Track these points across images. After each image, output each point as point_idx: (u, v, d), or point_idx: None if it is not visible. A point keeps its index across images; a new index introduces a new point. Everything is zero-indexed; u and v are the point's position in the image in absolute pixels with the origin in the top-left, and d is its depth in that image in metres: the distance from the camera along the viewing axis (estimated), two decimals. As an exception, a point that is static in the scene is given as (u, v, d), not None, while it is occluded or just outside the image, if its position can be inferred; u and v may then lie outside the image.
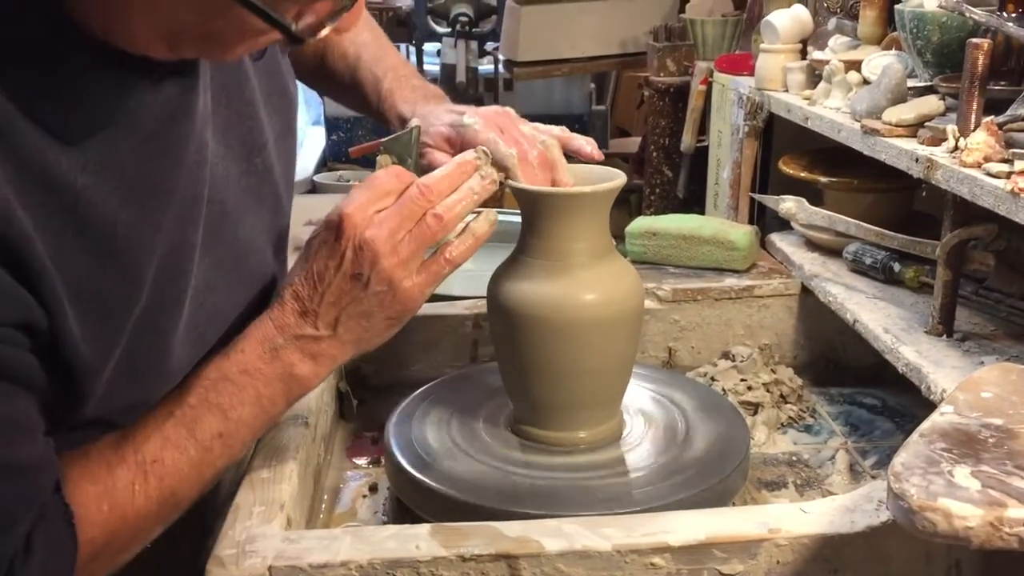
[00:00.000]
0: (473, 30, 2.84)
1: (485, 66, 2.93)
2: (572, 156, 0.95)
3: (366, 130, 3.08)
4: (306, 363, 0.77)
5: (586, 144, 0.94)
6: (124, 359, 0.68)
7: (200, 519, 0.81)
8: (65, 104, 0.61)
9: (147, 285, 0.67)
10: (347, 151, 2.94)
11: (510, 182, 0.88)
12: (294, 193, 0.93)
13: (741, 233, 1.26)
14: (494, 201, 1.80)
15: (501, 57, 2.75)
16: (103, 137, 0.63)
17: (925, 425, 0.67)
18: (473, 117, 0.90)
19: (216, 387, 0.76)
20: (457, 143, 0.89)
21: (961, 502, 0.58)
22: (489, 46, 2.92)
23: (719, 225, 1.30)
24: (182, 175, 0.69)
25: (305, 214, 2.11)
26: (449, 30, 2.87)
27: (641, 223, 1.32)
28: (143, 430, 0.73)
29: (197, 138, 0.71)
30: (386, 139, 0.88)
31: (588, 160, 0.94)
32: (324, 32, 0.64)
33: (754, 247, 1.28)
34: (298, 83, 0.95)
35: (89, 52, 0.62)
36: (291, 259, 0.88)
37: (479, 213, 0.82)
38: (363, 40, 1.05)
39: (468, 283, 1.38)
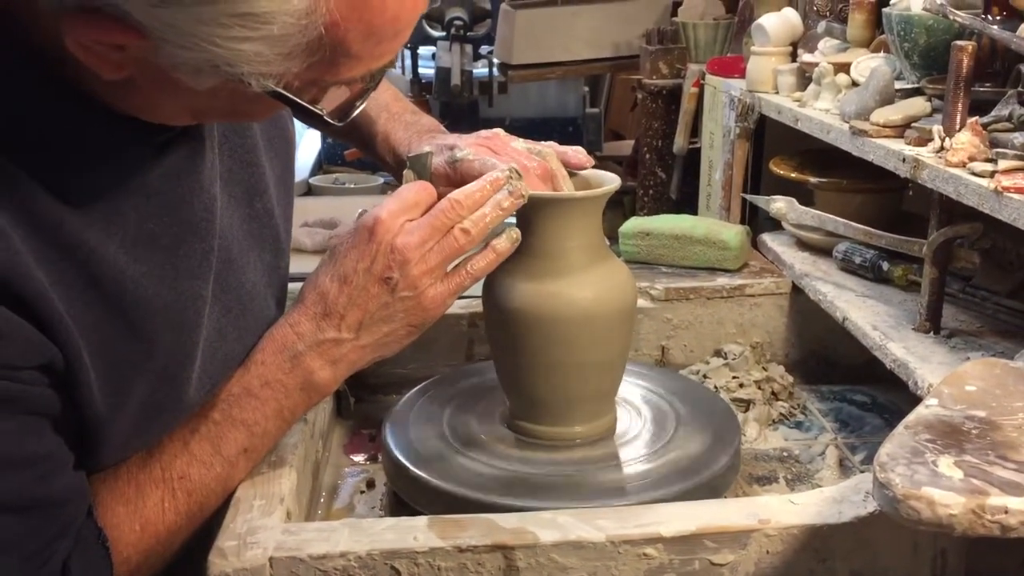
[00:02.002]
0: (468, 34, 2.85)
1: (480, 69, 2.94)
2: (566, 167, 0.96)
3: (361, 133, 3.08)
4: (326, 369, 0.79)
5: (575, 154, 0.96)
6: (141, 411, 0.70)
7: None
8: (74, 169, 0.63)
9: (159, 339, 0.69)
10: (343, 154, 2.95)
11: None
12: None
13: (732, 233, 1.28)
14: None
15: (495, 60, 2.77)
16: (108, 198, 0.65)
17: (910, 417, 0.69)
18: (464, 149, 0.91)
19: (240, 403, 0.77)
20: (455, 178, 0.89)
21: (944, 490, 0.59)
22: (484, 49, 2.94)
23: (711, 225, 1.32)
24: (188, 231, 0.71)
25: (300, 216, 2.12)
26: (444, 34, 2.88)
27: (634, 223, 1.34)
28: (169, 448, 0.75)
29: (204, 194, 0.73)
30: (411, 155, 0.91)
31: (579, 167, 0.95)
32: (355, 113, 0.67)
33: (746, 247, 1.30)
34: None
35: (99, 123, 0.64)
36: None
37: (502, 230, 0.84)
38: None
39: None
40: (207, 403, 0.77)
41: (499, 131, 0.97)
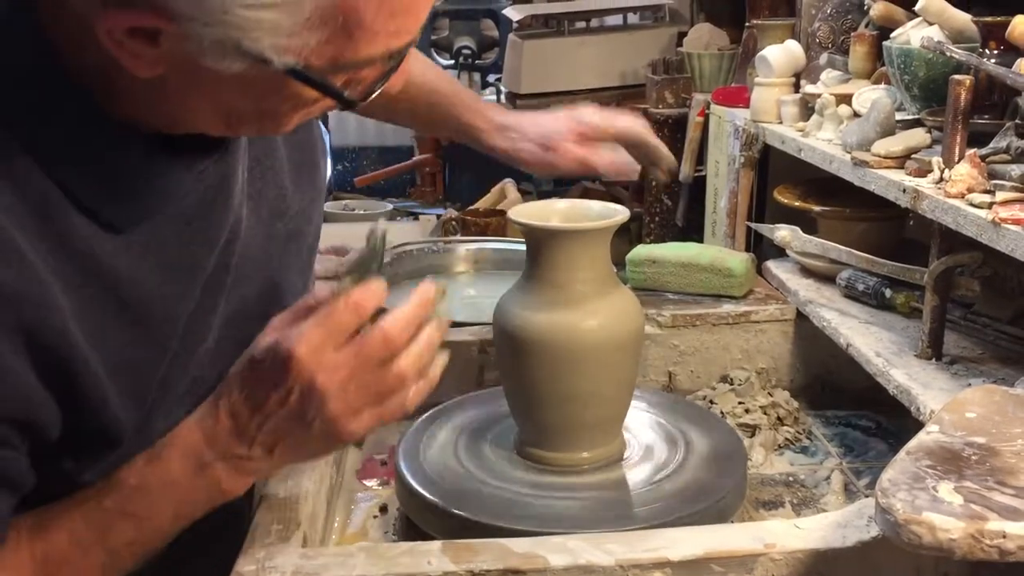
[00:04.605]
0: (476, 62, 2.90)
1: (488, 97, 2.98)
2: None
3: (371, 160, 3.13)
4: (233, 478, 0.74)
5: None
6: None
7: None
8: (115, 197, 0.66)
9: (169, 349, 0.71)
10: (352, 181, 2.99)
11: (515, 218, 0.92)
12: None
13: (738, 261, 1.30)
14: (499, 231, 1.86)
15: (503, 89, 2.81)
16: (148, 225, 0.68)
17: (912, 443, 0.71)
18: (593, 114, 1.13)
19: (134, 497, 0.72)
20: (590, 136, 1.12)
21: (944, 515, 0.61)
22: (491, 77, 2.98)
23: (717, 253, 1.34)
24: (216, 252, 0.74)
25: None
26: (452, 62, 2.93)
27: (641, 251, 1.36)
28: (56, 521, 0.72)
29: (232, 215, 0.75)
30: (352, 259, 0.85)
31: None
32: (374, 95, 0.67)
33: (751, 274, 1.32)
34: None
35: (142, 151, 0.67)
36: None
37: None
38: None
39: (469, 309, 1.42)
40: (101, 487, 0.73)
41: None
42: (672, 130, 2.08)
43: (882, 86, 1.26)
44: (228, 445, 0.72)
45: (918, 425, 0.90)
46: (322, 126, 1.18)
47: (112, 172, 0.65)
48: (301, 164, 0.88)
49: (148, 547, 0.74)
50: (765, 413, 1.16)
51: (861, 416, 1.21)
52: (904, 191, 0.99)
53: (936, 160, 0.98)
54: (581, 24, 2.60)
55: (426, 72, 1.16)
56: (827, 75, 1.40)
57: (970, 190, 0.91)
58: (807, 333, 1.25)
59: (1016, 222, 0.83)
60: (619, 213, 0.94)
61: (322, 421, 0.71)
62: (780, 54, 1.45)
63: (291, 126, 0.70)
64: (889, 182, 1.02)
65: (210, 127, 0.67)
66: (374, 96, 0.68)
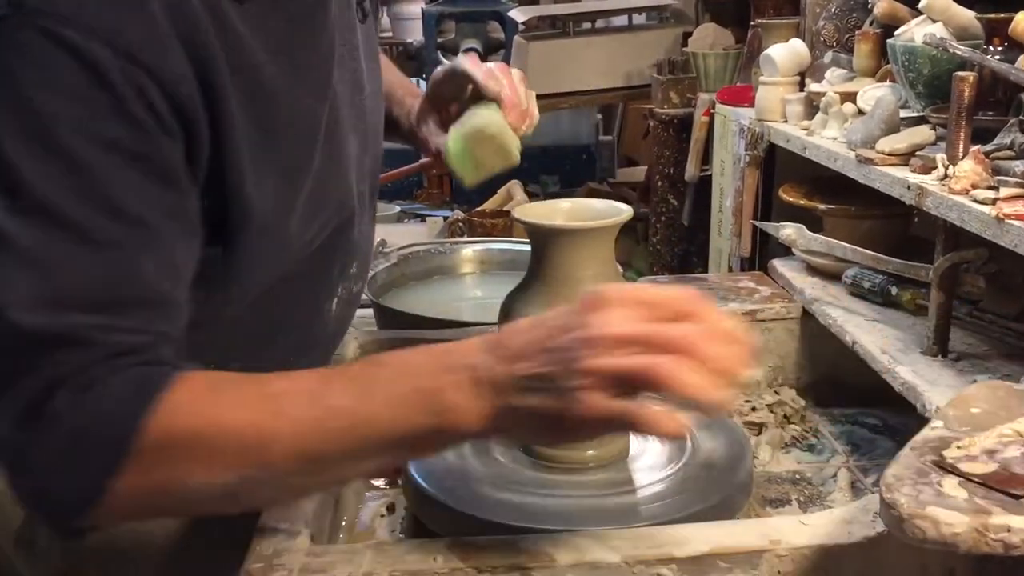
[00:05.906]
0: (482, 64, 2.90)
1: (493, 99, 2.99)
2: None
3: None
4: (465, 394, 0.64)
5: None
6: (268, 213, 0.74)
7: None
8: None
9: (285, 145, 0.74)
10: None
11: (519, 217, 0.93)
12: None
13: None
14: (505, 232, 1.86)
15: (509, 90, 2.81)
16: (272, 21, 0.72)
17: (916, 439, 0.71)
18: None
19: (365, 366, 0.69)
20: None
21: (948, 510, 0.61)
22: (497, 79, 2.98)
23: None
24: (318, 57, 0.78)
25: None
26: (458, 64, 2.93)
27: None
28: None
29: (329, 33, 0.79)
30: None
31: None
32: None
33: (466, 153, 1.01)
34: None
35: None
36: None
37: None
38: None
39: (476, 310, 1.43)
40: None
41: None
42: (677, 130, 2.08)
43: (886, 84, 1.26)
44: (484, 359, 0.64)
45: (924, 422, 0.89)
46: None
47: None
48: (370, 54, 0.91)
49: (356, 439, 0.64)
50: (772, 411, 1.17)
51: (868, 414, 1.21)
52: (909, 188, 0.99)
53: (940, 157, 0.98)
54: (586, 25, 2.61)
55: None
56: (832, 73, 1.40)
57: (974, 186, 0.91)
58: (813, 331, 1.25)
59: (1020, 218, 0.83)
60: (623, 212, 0.94)
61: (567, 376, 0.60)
62: (785, 53, 1.46)
63: None
64: (894, 179, 1.03)
65: None
66: None
